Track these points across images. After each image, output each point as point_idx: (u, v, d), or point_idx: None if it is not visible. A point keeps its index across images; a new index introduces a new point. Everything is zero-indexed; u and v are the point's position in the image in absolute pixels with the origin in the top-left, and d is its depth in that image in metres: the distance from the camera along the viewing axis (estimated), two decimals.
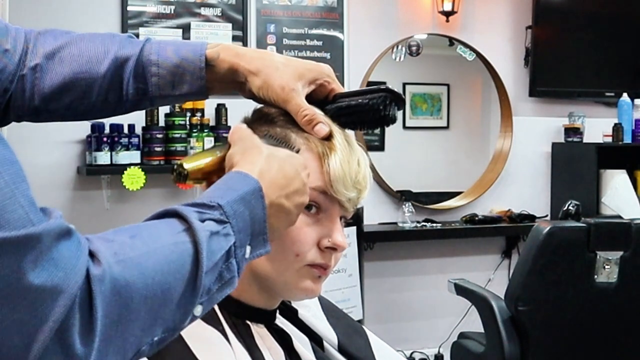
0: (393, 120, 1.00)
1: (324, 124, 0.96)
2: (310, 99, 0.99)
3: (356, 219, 3.47)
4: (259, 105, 1.02)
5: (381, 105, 0.98)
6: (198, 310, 0.73)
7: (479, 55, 4.32)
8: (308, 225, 0.97)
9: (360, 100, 0.99)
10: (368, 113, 0.99)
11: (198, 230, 0.71)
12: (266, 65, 0.96)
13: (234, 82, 0.98)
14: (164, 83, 0.97)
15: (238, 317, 1.00)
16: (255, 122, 1.00)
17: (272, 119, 0.99)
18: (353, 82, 4.07)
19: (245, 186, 0.79)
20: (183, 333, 0.93)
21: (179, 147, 3.58)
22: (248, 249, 0.77)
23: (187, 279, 0.70)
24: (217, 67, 0.96)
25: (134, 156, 3.50)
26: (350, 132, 1.03)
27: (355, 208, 1.00)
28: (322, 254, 0.98)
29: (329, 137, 0.97)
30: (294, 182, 0.84)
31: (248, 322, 1.01)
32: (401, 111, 1.03)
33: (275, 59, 0.97)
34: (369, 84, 4.14)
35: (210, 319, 0.97)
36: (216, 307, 0.98)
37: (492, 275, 4.32)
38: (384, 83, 1.02)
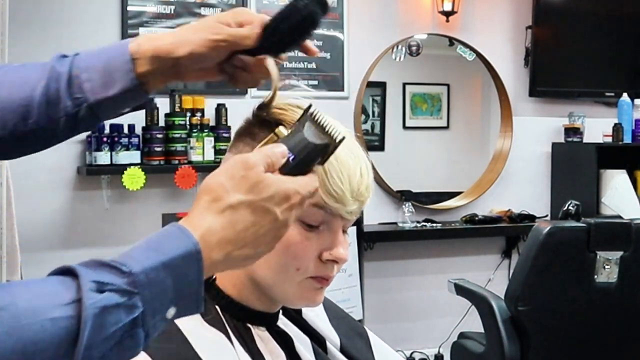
0: (313, 18, 0.90)
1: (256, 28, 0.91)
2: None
3: (356, 219, 3.47)
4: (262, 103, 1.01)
5: (299, 3, 0.90)
6: None
7: (479, 55, 4.32)
8: (308, 239, 0.96)
9: (277, 16, 0.92)
10: (289, 20, 0.91)
11: (86, 306, 0.66)
12: (178, 37, 0.92)
13: (165, 69, 0.94)
14: (97, 86, 0.94)
15: (239, 320, 1.00)
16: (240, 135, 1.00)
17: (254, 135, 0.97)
18: (353, 82, 4.07)
19: (177, 249, 0.72)
20: (188, 335, 0.93)
21: (179, 147, 3.58)
22: (172, 310, 0.73)
23: (61, 355, 0.66)
24: (142, 59, 0.93)
25: (134, 156, 3.50)
26: (353, 135, 1.00)
27: (357, 216, 0.99)
28: (323, 266, 0.98)
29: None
30: (259, 227, 0.77)
31: (249, 325, 1.00)
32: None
33: (186, 27, 0.94)
34: (369, 83, 4.14)
35: (214, 321, 0.97)
36: (219, 310, 0.98)
37: (492, 275, 4.32)
38: None
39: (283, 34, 0.91)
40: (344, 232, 1.00)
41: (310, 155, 0.81)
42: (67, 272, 0.70)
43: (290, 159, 0.80)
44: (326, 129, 0.83)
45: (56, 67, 0.95)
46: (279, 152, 0.79)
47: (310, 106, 0.84)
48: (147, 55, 0.93)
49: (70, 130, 1.00)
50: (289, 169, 0.79)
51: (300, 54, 4.21)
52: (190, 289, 0.74)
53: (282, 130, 0.82)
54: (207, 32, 0.91)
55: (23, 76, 0.97)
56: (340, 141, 0.83)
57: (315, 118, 0.83)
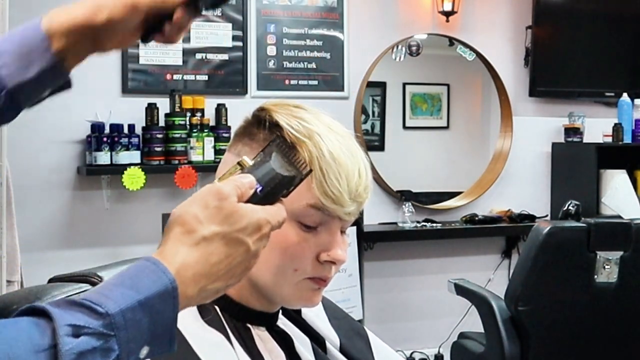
0: None
1: None
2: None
3: (356, 219, 3.47)
4: (260, 105, 1.01)
5: None
6: None
7: (479, 55, 4.32)
8: (306, 240, 0.96)
9: None
10: None
11: (62, 353, 0.64)
12: (91, 4, 0.89)
13: (84, 40, 0.90)
14: (14, 70, 0.89)
15: (239, 320, 1.00)
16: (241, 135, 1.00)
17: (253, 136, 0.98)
18: (353, 82, 4.07)
19: (154, 287, 0.70)
20: (187, 336, 0.93)
21: (179, 147, 3.58)
22: (145, 350, 0.71)
23: None
24: (57, 34, 0.89)
25: (134, 156, 3.50)
26: (352, 134, 1.00)
27: (356, 217, 0.99)
28: (321, 267, 0.97)
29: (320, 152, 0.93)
30: (233, 258, 0.76)
31: (249, 325, 1.00)
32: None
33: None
34: (369, 83, 4.14)
35: (214, 322, 0.97)
36: (218, 310, 0.98)
37: (492, 275, 4.32)
38: None
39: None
40: (343, 232, 1.00)
41: (277, 187, 0.81)
42: (40, 313, 0.66)
43: (258, 190, 0.79)
44: (293, 161, 0.82)
45: None
46: (247, 182, 0.78)
47: (277, 136, 0.85)
48: (62, 30, 0.88)
49: None
50: (256, 201, 0.79)
51: (300, 54, 4.17)
52: (164, 328, 0.72)
53: (247, 160, 0.81)
54: None
55: None
56: (307, 173, 0.82)
57: (283, 149, 0.83)
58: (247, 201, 0.78)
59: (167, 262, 0.73)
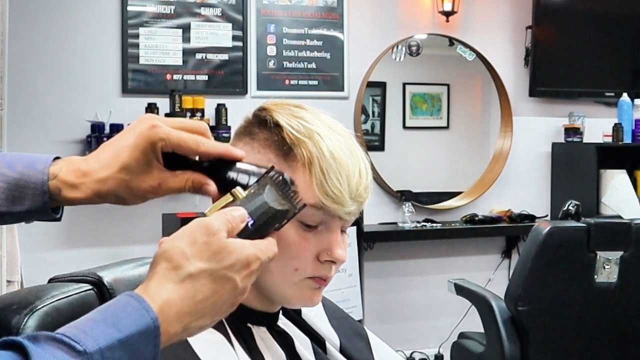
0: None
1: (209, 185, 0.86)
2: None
3: (356, 219, 3.47)
4: (261, 105, 1.01)
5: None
6: None
7: (479, 55, 4.32)
8: (306, 239, 0.96)
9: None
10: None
11: None
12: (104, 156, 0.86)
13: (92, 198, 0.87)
14: (2, 200, 0.87)
15: (240, 320, 1.00)
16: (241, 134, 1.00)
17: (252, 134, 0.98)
18: (353, 82, 4.07)
19: (136, 326, 0.68)
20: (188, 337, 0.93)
21: None
22: None
23: None
24: (61, 185, 0.87)
25: None
26: (352, 134, 1.00)
27: (356, 217, 0.99)
28: (321, 266, 0.97)
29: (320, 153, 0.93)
30: (220, 294, 0.75)
31: (250, 325, 1.00)
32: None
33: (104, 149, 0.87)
34: (369, 83, 4.14)
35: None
36: None
37: (492, 275, 4.32)
38: None
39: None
40: (343, 231, 1.00)
41: (270, 221, 0.79)
42: (16, 348, 0.64)
43: (250, 224, 0.78)
44: (287, 194, 0.81)
45: None
46: (239, 216, 0.77)
47: (272, 168, 0.83)
48: (68, 173, 0.86)
49: None
50: (247, 235, 0.77)
51: (300, 54, 4.16)
52: None
53: (240, 191, 0.80)
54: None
55: None
56: (301, 208, 0.81)
57: (277, 182, 0.81)
58: (238, 235, 0.77)
59: (151, 300, 0.71)
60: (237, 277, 0.75)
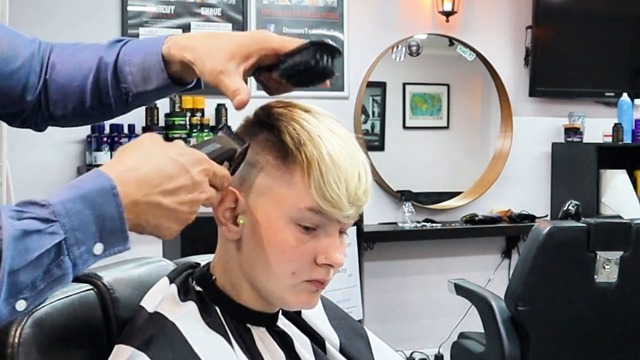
0: (328, 72, 1.00)
1: (243, 94, 0.95)
2: (261, 68, 1.01)
3: (356, 220, 3.46)
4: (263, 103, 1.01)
5: (312, 60, 0.98)
6: (21, 304, 0.74)
7: (479, 55, 4.32)
8: (304, 243, 0.95)
9: (296, 59, 0.98)
10: (304, 72, 0.98)
11: (5, 229, 0.72)
12: (200, 55, 0.98)
13: (191, 71, 1.00)
14: (138, 80, 1.02)
15: (239, 320, 0.99)
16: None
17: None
18: (353, 82, 4.07)
19: (92, 185, 0.78)
20: (188, 337, 0.93)
21: None
22: (99, 246, 0.78)
23: None
24: (172, 62, 1.00)
25: None
26: (353, 136, 0.99)
27: (355, 219, 0.98)
28: (318, 270, 0.97)
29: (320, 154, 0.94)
30: (176, 180, 0.83)
31: (249, 326, 1.00)
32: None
33: (212, 43, 0.98)
34: (369, 83, 4.14)
35: (214, 324, 0.96)
36: (219, 311, 0.98)
37: (492, 275, 4.32)
38: (321, 41, 1.01)
39: (295, 82, 1.00)
40: (343, 232, 1.00)
41: (219, 158, 0.90)
42: None
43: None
44: (236, 139, 0.92)
45: (104, 57, 1.03)
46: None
47: (225, 124, 0.99)
48: (176, 60, 1.00)
49: (123, 109, 1.07)
50: None
51: None
52: (113, 225, 0.78)
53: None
54: (216, 63, 0.96)
55: (77, 63, 1.05)
56: (247, 147, 0.93)
57: (229, 132, 0.93)
58: None
59: (107, 169, 0.80)
60: (190, 168, 0.84)
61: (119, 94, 1.03)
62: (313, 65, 0.97)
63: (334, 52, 1.00)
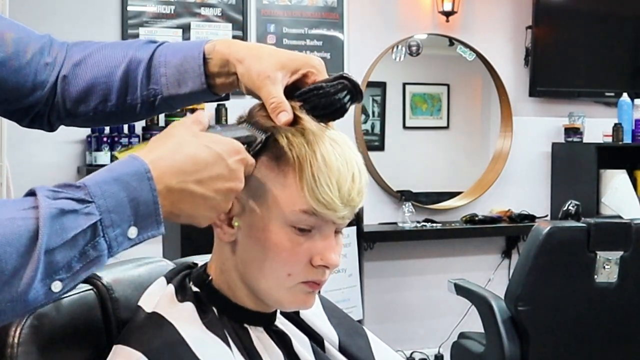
0: (342, 109, 0.97)
1: (287, 112, 0.94)
2: (295, 89, 0.98)
3: (356, 219, 3.46)
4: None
5: (332, 89, 0.97)
6: (57, 286, 0.74)
7: (479, 55, 4.32)
8: (299, 244, 0.95)
9: (321, 85, 0.97)
10: (322, 98, 0.97)
11: (42, 207, 0.72)
12: (251, 54, 0.97)
13: (229, 75, 0.99)
14: (171, 82, 1.01)
15: (237, 321, 0.99)
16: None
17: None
18: None
19: (126, 168, 0.78)
20: (186, 338, 0.93)
21: None
22: (134, 230, 0.78)
23: (22, 252, 0.71)
24: (213, 60, 0.99)
25: None
26: (347, 138, 0.98)
27: (350, 220, 0.98)
28: (314, 271, 0.96)
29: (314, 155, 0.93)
30: (212, 168, 0.83)
31: (246, 326, 1.00)
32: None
33: (263, 49, 0.98)
34: (369, 83, 4.14)
35: (212, 324, 0.96)
36: (216, 312, 0.98)
37: (492, 275, 4.32)
38: (350, 77, 0.99)
39: (310, 107, 0.98)
40: (339, 232, 0.99)
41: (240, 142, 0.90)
42: (28, 193, 0.76)
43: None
44: (254, 129, 0.94)
45: (137, 55, 1.02)
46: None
47: (241, 117, 0.99)
48: (218, 58, 0.99)
49: (147, 112, 1.06)
50: None
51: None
52: (147, 208, 0.78)
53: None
54: (266, 67, 0.96)
55: (105, 57, 1.04)
56: (268, 137, 0.93)
57: (250, 122, 0.95)
58: None
59: (141, 155, 0.81)
60: (227, 157, 0.84)
61: (147, 94, 1.02)
62: (331, 93, 0.96)
63: (357, 92, 0.98)
